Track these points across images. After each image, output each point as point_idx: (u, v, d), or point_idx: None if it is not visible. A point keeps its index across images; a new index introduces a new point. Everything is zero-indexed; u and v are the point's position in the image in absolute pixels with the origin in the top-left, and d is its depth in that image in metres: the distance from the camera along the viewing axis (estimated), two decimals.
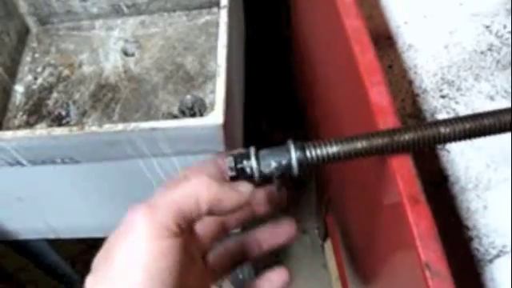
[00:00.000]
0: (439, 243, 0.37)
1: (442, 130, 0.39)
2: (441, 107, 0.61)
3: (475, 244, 0.52)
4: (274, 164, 0.42)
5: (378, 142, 0.39)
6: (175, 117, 0.88)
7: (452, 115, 0.60)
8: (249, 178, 0.43)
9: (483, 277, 0.50)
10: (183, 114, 0.88)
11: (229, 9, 0.72)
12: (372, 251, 0.57)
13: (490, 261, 0.51)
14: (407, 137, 0.39)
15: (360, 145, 0.39)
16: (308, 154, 0.40)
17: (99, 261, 0.40)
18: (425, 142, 0.39)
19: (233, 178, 0.42)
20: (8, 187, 0.79)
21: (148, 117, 0.89)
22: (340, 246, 0.98)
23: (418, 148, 0.39)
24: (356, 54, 0.44)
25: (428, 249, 0.36)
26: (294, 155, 0.41)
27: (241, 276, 1.04)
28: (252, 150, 0.43)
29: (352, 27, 0.46)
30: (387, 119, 0.41)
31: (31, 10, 1.00)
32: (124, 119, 0.89)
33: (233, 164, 0.42)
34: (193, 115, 0.88)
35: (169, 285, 0.38)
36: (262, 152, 0.43)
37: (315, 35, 0.72)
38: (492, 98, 0.60)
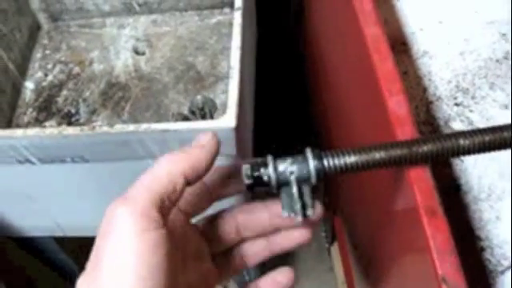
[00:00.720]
0: (456, 256, 0.37)
1: (462, 141, 0.38)
2: (455, 115, 0.60)
3: (487, 255, 0.52)
4: (291, 172, 0.42)
5: (397, 152, 0.38)
6: (185, 117, 0.88)
7: (466, 123, 0.60)
8: (265, 186, 0.43)
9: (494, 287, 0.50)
10: (193, 114, 0.88)
11: (243, 10, 0.72)
12: (384, 260, 0.57)
13: (502, 272, 0.51)
14: (426, 148, 0.38)
15: (378, 155, 0.38)
16: (326, 163, 0.40)
17: (90, 262, 0.39)
18: (443, 154, 0.39)
19: (249, 187, 0.42)
20: (17, 185, 0.79)
21: (158, 116, 0.88)
22: (348, 251, 0.98)
23: (436, 160, 0.39)
24: (375, 62, 0.44)
25: (445, 262, 0.36)
26: (312, 164, 0.40)
27: (247, 278, 1.04)
28: (269, 158, 0.42)
29: (371, 35, 0.45)
30: (405, 129, 0.41)
31: (43, 6, 1.00)
32: (134, 118, 0.89)
33: (249, 172, 0.42)
34: (203, 116, 0.87)
35: (160, 281, 0.37)
36: (279, 160, 0.42)
37: (330, 41, 0.72)
38: (507, 107, 0.60)
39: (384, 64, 0.44)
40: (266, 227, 0.49)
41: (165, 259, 0.38)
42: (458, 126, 0.59)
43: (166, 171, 0.40)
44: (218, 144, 0.44)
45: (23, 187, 0.79)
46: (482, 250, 0.52)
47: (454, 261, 0.36)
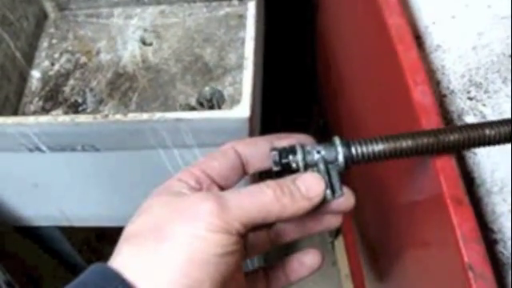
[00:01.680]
0: (482, 245, 0.37)
1: (487, 131, 0.39)
2: (468, 109, 0.61)
3: (500, 247, 0.52)
4: (320, 159, 0.42)
5: (424, 141, 0.39)
6: (193, 108, 0.88)
7: (479, 117, 0.60)
8: (293, 172, 0.43)
9: (507, 280, 0.50)
10: (201, 105, 0.88)
11: (256, 1, 0.72)
12: (401, 251, 0.57)
13: None
14: (452, 137, 0.39)
15: (405, 144, 0.39)
16: (354, 150, 0.40)
17: (142, 231, 0.39)
18: (470, 144, 0.39)
19: (277, 173, 0.42)
20: (25, 173, 0.79)
21: (165, 107, 0.88)
22: (354, 244, 0.98)
23: (462, 149, 0.39)
24: (399, 52, 0.44)
25: (471, 250, 0.36)
26: (341, 151, 0.41)
27: (250, 266, 1.03)
28: (298, 145, 0.42)
29: (395, 25, 0.46)
30: (431, 119, 0.41)
31: None
32: (141, 109, 0.89)
33: (277, 158, 0.42)
34: (211, 107, 0.87)
35: (221, 273, 0.38)
36: (308, 147, 0.42)
37: (347, 31, 0.72)
38: None
39: (408, 54, 0.44)
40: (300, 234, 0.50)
41: (227, 256, 0.39)
42: (471, 119, 0.60)
43: (269, 207, 0.41)
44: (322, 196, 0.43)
45: (32, 176, 0.79)
46: (496, 242, 0.52)
47: (481, 249, 0.37)
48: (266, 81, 0.94)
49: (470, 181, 0.56)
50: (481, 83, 0.62)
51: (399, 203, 0.54)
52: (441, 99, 0.61)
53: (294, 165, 0.42)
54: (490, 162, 0.57)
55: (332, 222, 0.49)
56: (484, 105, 0.61)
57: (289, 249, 0.54)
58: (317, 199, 0.42)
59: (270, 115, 0.97)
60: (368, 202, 0.73)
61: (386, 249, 0.65)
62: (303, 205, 0.42)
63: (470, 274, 0.36)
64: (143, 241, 0.39)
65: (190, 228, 0.38)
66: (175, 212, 0.39)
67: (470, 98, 0.61)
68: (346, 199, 0.45)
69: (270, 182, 0.42)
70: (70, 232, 1.05)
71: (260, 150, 0.46)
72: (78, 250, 1.10)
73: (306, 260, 0.50)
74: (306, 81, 1.22)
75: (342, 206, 0.46)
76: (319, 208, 0.45)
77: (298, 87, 1.29)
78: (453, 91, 0.62)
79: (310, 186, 0.42)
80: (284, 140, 0.46)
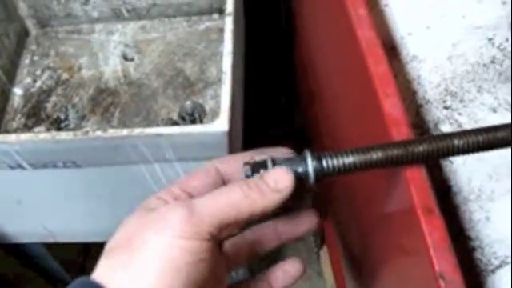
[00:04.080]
0: (453, 253, 0.37)
1: (456, 142, 0.39)
2: (444, 118, 0.61)
3: (478, 254, 0.53)
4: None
5: (394, 152, 0.39)
6: (175, 122, 0.88)
7: (455, 126, 0.61)
8: None
9: (485, 287, 0.51)
10: (183, 119, 0.88)
11: (234, 16, 0.72)
12: (378, 262, 0.57)
13: (493, 271, 0.52)
14: (422, 148, 0.39)
15: (375, 155, 0.39)
16: (324, 163, 0.41)
17: (118, 246, 0.40)
18: (439, 154, 0.40)
19: None
20: (8, 190, 0.79)
21: (147, 122, 0.89)
22: (338, 254, 0.98)
23: (431, 160, 0.40)
24: (369, 65, 0.45)
25: (442, 259, 0.37)
26: (311, 164, 0.41)
27: (234, 277, 1.03)
28: (269, 159, 0.43)
29: (365, 38, 0.46)
30: (401, 131, 0.41)
31: (31, 12, 1.00)
32: (123, 124, 0.89)
33: (250, 172, 0.43)
34: (193, 121, 0.88)
35: (194, 279, 0.39)
36: (279, 161, 0.43)
37: (322, 44, 0.73)
38: (494, 110, 0.61)
39: (378, 67, 0.45)
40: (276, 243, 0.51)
41: (202, 262, 0.39)
42: (447, 128, 0.60)
43: (237, 204, 0.41)
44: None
45: (14, 193, 0.79)
46: (473, 249, 0.53)
47: (451, 258, 0.37)
48: (248, 93, 0.95)
49: (446, 189, 0.57)
50: (456, 92, 0.63)
51: (375, 214, 0.54)
52: (417, 109, 0.62)
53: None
54: (466, 170, 0.57)
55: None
56: (460, 114, 0.62)
57: (272, 261, 0.54)
58: (286, 190, 0.42)
59: (253, 126, 0.98)
60: (347, 213, 0.74)
61: (366, 259, 0.66)
62: (273, 197, 0.42)
63: (441, 283, 0.36)
64: (118, 254, 0.40)
65: (160, 237, 0.39)
66: (146, 224, 0.40)
67: (446, 108, 0.62)
68: (307, 221, 0.46)
69: (237, 181, 0.43)
70: (55, 248, 1.05)
71: (239, 167, 0.47)
72: (64, 266, 1.10)
73: (289, 268, 0.51)
74: (288, 90, 1.22)
75: (304, 226, 0.47)
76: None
77: (282, 98, 1.30)
78: (429, 101, 0.63)
79: (277, 178, 0.42)
80: (264, 155, 0.46)
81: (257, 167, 0.43)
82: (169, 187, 0.46)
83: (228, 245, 0.50)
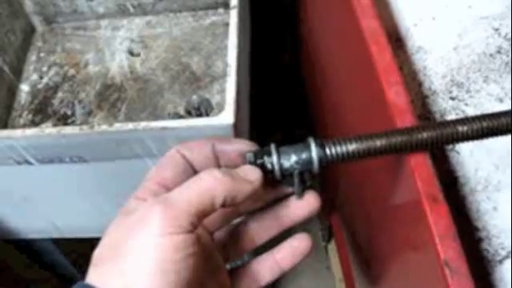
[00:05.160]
0: (458, 242, 0.37)
1: (460, 128, 0.39)
2: (450, 109, 0.61)
3: (485, 245, 0.53)
4: (294, 159, 0.42)
5: (397, 139, 0.39)
6: (181, 117, 0.88)
7: (461, 117, 0.60)
8: (269, 173, 0.43)
9: (493, 277, 0.51)
10: (189, 114, 0.88)
11: (239, 9, 0.72)
12: (385, 252, 0.57)
13: (500, 261, 0.51)
14: (425, 135, 0.39)
15: (379, 143, 0.39)
16: (328, 151, 0.41)
17: (105, 254, 0.40)
18: (443, 140, 0.39)
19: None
20: (15, 186, 0.79)
21: (154, 117, 0.89)
22: (345, 247, 0.98)
23: (436, 146, 0.39)
24: (373, 54, 0.44)
25: (447, 247, 0.37)
26: (315, 151, 0.41)
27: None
28: (273, 147, 0.43)
29: (369, 28, 0.46)
30: (405, 119, 0.41)
31: (37, 9, 1.00)
32: (130, 119, 0.89)
33: (253, 159, 0.43)
34: (199, 116, 0.88)
35: (184, 277, 0.38)
36: (283, 148, 0.43)
37: (327, 35, 0.73)
38: (501, 100, 0.61)
39: (382, 56, 0.45)
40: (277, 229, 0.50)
41: (189, 258, 0.39)
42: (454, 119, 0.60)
43: (210, 189, 0.41)
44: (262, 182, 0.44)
45: (21, 188, 0.79)
46: (480, 240, 0.53)
47: (456, 245, 0.37)
48: (254, 87, 0.95)
49: (453, 180, 0.56)
50: (462, 83, 0.63)
51: (381, 205, 0.54)
52: (423, 100, 0.62)
53: (268, 165, 0.43)
54: (473, 160, 0.57)
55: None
56: (466, 104, 0.61)
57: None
58: (257, 183, 0.43)
59: (261, 119, 0.98)
60: (354, 206, 0.74)
61: (374, 251, 0.65)
62: (245, 186, 0.42)
63: (447, 271, 0.36)
64: (106, 264, 0.39)
65: (143, 240, 0.38)
66: (127, 229, 0.40)
67: (452, 98, 0.62)
68: (307, 203, 0.46)
69: (207, 169, 0.43)
70: (62, 243, 1.05)
71: (204, 152, 0.47)
72: (72, 261, 1.10)
73: (298, 244, 0.50)
74: (296, 85, 1.22)
75: (304, 209, 0.47)
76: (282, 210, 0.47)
77: (288, 91, 1.30)
78: (435, 92, 0.63)
79: (247, 172, 0.43)
80: (226, 143, 0.47)
81: (260, 154, 0.43)
82: (143, 184, 0.46)
83: (227, 235, 0.50)
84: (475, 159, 0.57)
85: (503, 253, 0.52)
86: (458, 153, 0.58)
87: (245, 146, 0.47)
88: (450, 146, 0.57)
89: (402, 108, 0.42)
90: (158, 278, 0.37)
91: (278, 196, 0.50)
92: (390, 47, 0.46)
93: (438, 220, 0.38)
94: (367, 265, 0.73)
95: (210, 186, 0.41)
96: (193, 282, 0.39)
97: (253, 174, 0.43)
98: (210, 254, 0.47)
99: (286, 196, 0.49)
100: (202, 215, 0.41)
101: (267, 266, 0.51)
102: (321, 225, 1.34)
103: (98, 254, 0.41)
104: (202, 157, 0.47)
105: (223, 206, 0.42)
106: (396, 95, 0.42)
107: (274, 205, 0.50)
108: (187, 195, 0.40)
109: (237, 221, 0.51)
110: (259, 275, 0.51)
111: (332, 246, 1.19)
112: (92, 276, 0.39)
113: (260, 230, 0.50)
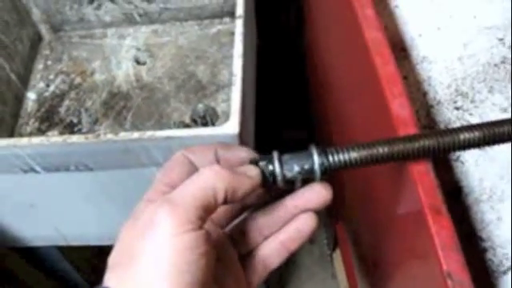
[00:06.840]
0: (461, 253, 0.37)
1: (462, 136, 0.39)
2: (455, 119, 0.61)
3: (489, 255, 0.52)
4: (296, 168, 0.43)
5: (399, 147, 0.39)
6: (187, 125, 0.88)
7: None
8: (271, 182, 0.44)
9: None
10: (195, 122, 0.89)
11: (244, 18, 0.73)
12: (388, 262, 0.57)
13: (504, 272, 0.51)
14: (427, 142, 0.39)
15: (381, 150, 0.39)
16: (330, 158, 0.41)
17: (120, 259, 0.41)
18: (445, 148, 0.39)
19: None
20: (21, 194, 0.79)
21: (160, 125, 0.89)
22: (350, 256, 0.98)
23: (438, 154, 0.39)
24: (377, 65, 0.45)
25: (450, 258, 0.37)
26: (317, 160, 0.41)
27: None
28: (275, 155, 0.43)
29: (373, 39, 0.46)
30: (409, 131, 0.41)
31: (44, 17, 1.01)
32: (136, 127, 0.90)
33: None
34: (204, 124, 0.88)
35: (197, 276, 0.39)
36: (285, 157, 0.43)
37: (331, 46, 0.73)
38: (505, 111, 0.61)
39: (386, 67, 0.45)
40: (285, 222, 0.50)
41: (202, 257, 0.39)
42: None
43: (212, 184, 0.41)
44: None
45: (27, 196, 0.80)
46: (485, 250, 0.53)
47: (459, 257, 0.37)
48: (260, 96, 0.95)
49: (458, 190, 0.56)
50: (467, 93, 0.63)
51: (384, 216, 0.54)
52: (428, 110, 0.62)
53: (271, 176, 0.43)
54: (478, 170, 0.57)
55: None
56: (471, 114, 0.61)
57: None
58: (256, 178, 0.43)
59: (266, 127, 0.98)
60: (359, 216, 0.74)
61: (378, 261, 0.65)
62: (245, 180, 0.43)
63: (449, 282, 0.36)
64: (121, 268, 0.40)
65: (155, 243, 0.39)
66: (138, 233, 0.40)
67: (457, 108, 0.62)
68: (317, 194, 0.46)
69: (208, 165, 0.43)
70: (68, 251, 1.06)
71: (207, 158, 0.48)
72: (77, 269, 1.11)
73: (303, 225, 0.50)
74: (301, 93, 1.22)
75: (313, 201, 0.47)
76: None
77: (293, 99, 1.30)
78: (440, 102, 0.63)
79: (246, 168, 0.44)
80: (228, 150, 0.48)
81: (263, 164, 0.43)
82: (151, 186, 0.47)
83: (235, 230, 0.50)
84: (480, 169, 0.57)
85: (507, 263, 0.52)
86: (462, 163, 0.58)
87: (246, 153, 0.47)
88: (455, 156, 0.57)
89: (405, 120, 0.42)
90: (174, 281, 0.38)
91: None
92: (393, 59, 0.46)
93: (441, 231, 0.38)
94: (372, 274, 0.72)
95: (211, 179, 0.41)
96: (207, 281, 0.40)
97: (252, 170, 0.44)
98: (222, 248, 0.48)
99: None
100: (207, 209, 0.41)
101: (275, 250, 0.50)
102: (326, 233, 1.34)
103: (112, 258, 0.41)
104: (205, 161, 0.48)
105: (225, 201, 0.42)
106: (400, 107, 0.42)
107: (281, 197, 0.50)
108: (191, 190, 0.41)
109: (244, 215, 0.51)
110: (268, 260, 0.50)
111: (337, 255, 1.19)
112: (109, 280, 0.40)
113: (269, 222, 0.50)
